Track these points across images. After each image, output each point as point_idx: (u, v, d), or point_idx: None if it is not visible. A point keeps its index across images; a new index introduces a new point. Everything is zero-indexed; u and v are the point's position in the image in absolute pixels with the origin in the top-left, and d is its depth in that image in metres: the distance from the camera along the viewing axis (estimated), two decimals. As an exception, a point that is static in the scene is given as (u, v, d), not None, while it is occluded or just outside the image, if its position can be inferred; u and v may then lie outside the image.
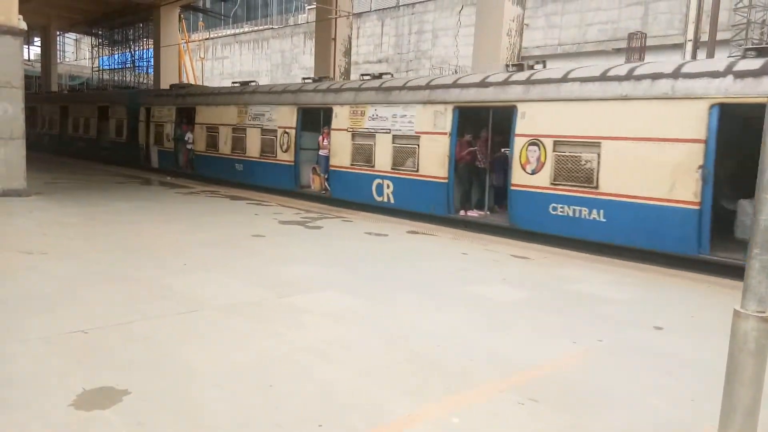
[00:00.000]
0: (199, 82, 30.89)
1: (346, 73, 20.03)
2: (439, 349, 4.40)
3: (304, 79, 15.78)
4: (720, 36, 18.51)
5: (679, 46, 19.75)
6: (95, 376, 3.58)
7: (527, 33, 19.61)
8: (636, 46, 20.30)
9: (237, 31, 41.26)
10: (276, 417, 3.24)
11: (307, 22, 33.10)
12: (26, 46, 34.52)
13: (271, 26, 39.35)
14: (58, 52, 37.66)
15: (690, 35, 18.87)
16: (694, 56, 18.05)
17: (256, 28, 40.52)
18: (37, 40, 36.71)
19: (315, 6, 22.46)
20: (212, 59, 41.13)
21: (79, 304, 5.02)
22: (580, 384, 3.90)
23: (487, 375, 3.98)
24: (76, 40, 46.73)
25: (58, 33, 35.87)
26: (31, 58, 39.03)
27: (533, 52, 24.02)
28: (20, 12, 11.25)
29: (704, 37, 18.58)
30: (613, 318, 5.44)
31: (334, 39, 19.70)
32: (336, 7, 19.67)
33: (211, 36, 40.09)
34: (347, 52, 20.30)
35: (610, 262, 8.04)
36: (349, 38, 20.62)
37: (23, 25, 11.31)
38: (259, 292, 5.74)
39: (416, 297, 5.84)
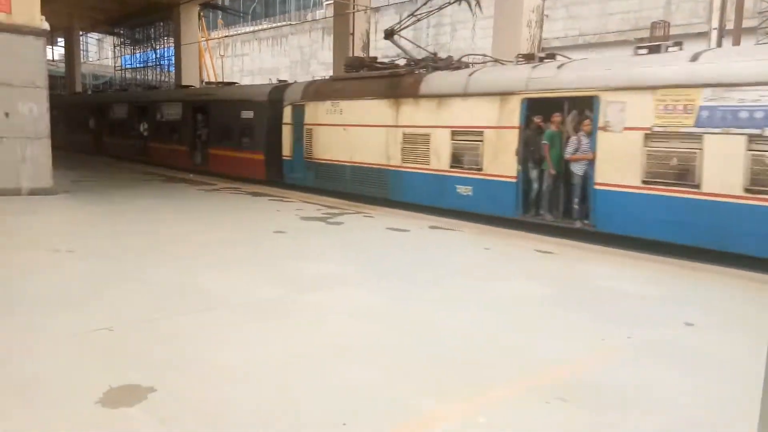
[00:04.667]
0: (219, 80, 31.08)
1: (365, 68, 19.92)
2: (463, 346, 4.35)
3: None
4: (746, 23, 18.02)
5: (703, 35, 19.26)
6: (121, 374, 3.61)
7: (547, 24, 19.28)
8: (659, 35, 19.89)
9: (256, 28, 41.33)
10: (300, 415, 3.23)
11: (325, 18, 33.00)
12: (50, 47, 34.82)
13: (289, 22, 39.36)
14: (82, 52, 38.05)
15: (715, 23, 18.41)
16: (719, 45, 17.61)
17: (274, 24, 40.56)
18: (61, 41, 37.16)
19: (333, 1, 22.42)
20: (232, 56, 41.26)
21: (104, 302, 5.07)
22: (609, 383, 3.82)
23: (514, 373, 3.92)
24: (98, 39, 47.24)
25: (81, 33, 36.27)
26: (56, 58, 39.47)
27: (553, 43, 23.64)
28: (42, 13, 11.38)
29: (729, 25, 18.12)
30: (642, 314, 5.34)
31: (352, 34, 19.63)
32: (354, 2, 19.59)
33: (231, 33, 40.19)
34: (365, 47, 20.22)
35: (635, 256, 7.89)
36: (367, 33, 20.53)
37: (46, 26, 11.44)
38: (281, 289, 5.74)
39: (439, 293, 5.79)
